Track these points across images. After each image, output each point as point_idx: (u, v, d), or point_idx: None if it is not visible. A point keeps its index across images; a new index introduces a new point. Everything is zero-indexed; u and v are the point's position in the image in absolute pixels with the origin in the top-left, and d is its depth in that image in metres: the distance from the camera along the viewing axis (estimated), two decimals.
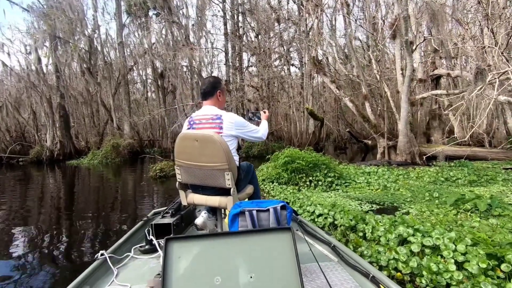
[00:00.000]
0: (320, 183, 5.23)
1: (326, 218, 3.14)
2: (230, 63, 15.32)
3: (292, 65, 17.66)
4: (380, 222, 2.71)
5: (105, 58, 17.82)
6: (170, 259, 1.10)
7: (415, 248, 2.23)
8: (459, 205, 3.50)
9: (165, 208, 2.26)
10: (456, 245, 2.15)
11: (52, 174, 10.79)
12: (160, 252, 1.71)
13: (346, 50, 16.51)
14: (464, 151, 7.71)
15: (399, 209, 3.79)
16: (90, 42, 16.39)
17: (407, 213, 3.56)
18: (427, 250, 2.23)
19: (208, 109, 1.98)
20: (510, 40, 8.41)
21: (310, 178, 5.35)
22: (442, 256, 2.12)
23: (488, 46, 7.87)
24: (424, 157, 5.76)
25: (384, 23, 12.27)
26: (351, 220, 2.88)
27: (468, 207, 3.39)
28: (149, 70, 20.71)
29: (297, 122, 16.90)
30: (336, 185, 5.21)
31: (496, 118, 10.73)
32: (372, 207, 3.98)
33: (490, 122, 11.49)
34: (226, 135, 1.88)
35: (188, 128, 1.98)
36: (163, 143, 18.07)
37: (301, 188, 5.18)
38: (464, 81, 12.58)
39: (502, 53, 8.24)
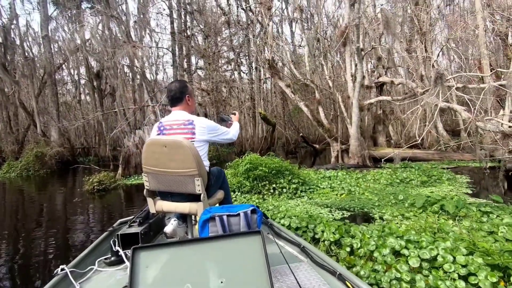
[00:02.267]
0: (284, 190, 4.96)
1: (305, 232, 2.83)
2: (178, 65, 14.43)
3: (241, 71, 17.49)
4: (366, 233, 2.49)
5: (26, 53, 15.27)
6: (138, 269, 1.07)
7: (414, 262, 2.02)
8: (427, 207, 3.53)
9: (132, 217, 2.15)
10: (454, 256, 2.00)
11: None
12: (127, 263, 1.62)
13: (293, 57, 16.97)
14: (407, 153, 8.28)
15: (371, 214, 3.69)
16: (6, 33, 13.86)
17: (381, 218, 3.46)
18: (424, 264, 2.05)
19: (179, 114, 1.94)
20: (440, 52, 9.42)
21: (274, 185, 5.05)
22: (443, 270, 1.95)
23: (423, 57, 8.68)
24: (383, 160, 5.98)
25: (326, 33, 12.86)
26: (334, 233, 2.61)
27: (436, 209, 3.43)
28: (82, 69, 18.47)
29: (248, 127, 16.71)
30: (301, 191, 5.00)
31: (424, 122, 11.97)
32: (343, 214, 3.82)
33: (419, 126, 12.78)
34: (199, 140, 1.86)
35: (158, 134, 1.91)
36: (100, 150, 16.07)
37: (265, 197, 4.83)
38: (396, 89, 13.87)
39: (433, 64, 9.17)
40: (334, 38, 11.14)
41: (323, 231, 2.71)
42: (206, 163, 1.91)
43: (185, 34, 14.87)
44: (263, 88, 16.75)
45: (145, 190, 1.93)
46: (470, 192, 4.78)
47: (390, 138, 12.58)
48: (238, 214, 1.53)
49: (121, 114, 13.23)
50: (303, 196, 4.88)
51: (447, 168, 7.02)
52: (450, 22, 12.52)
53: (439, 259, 2.03)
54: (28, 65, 14.62)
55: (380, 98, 8.51)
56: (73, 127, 15.82)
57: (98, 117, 15.21)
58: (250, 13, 15.12)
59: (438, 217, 3.33)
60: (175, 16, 14.45)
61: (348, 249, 2.40)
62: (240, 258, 1.14)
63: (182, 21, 14.89)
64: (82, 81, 19.37)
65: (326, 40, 10.56)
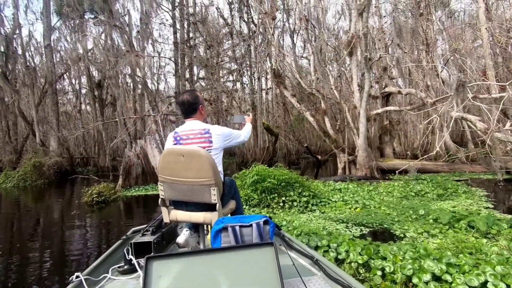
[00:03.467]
0: (295, 203, 4.70)
1: (327, 251, 2.57)
2: (180, 74, 14.35)
3: (243, 82, 17.43)
4: (398, 255, 2.23)
5: (27, 62, 15.21)
6: (151, 279, 1.09)
7: None
8: (453, 223, 3.28)
9: (145, 226, 2.13)
10: (508, 285, 1.76)
11: None
12: (140, 272, 1.62)
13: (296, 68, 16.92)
14: (416, 164, 8.05)
15: (392, 231, 3.43)
16: (8, 42, 13.80)
17: (404, 236, 3.21)
18: None
19: (194, 123, 1.96)
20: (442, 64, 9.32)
21: (283, 198, 4.79)
22: None
23: (429, 68, 8.56)
24: (397, 171, 5.75)
25: (327, 45, 12.84)
26: (361, 254, 2.35)
27: (463, 225, 3.18)
28: (83, 79, 18.40)
29: (250, 137, 16.50)
30: (312, 205, 4.73)
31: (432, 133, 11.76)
32: (362, 230, 3.56)
33: (428, 137, 12.58)
34: (216, 148, 1.88)
35: (175, 144, 1.92)
36: (99, 161, 15.77)
37: (275, 210, 4.57)
38: (397, 100, 13.73)
39: (438, 75, 9.06)
40: (338, 49, 11.09)
41: (347, 251, 2.46)
42: (221, 170, 1.92)
43: (188, 44, 14.86)
44: (264, 98, 16.65)
45: (160, 199, 1.93)
46: (491, 206, 4.53)
47: (394, 149, 12.38)
48: (251, 225, 1.51)
49: (121, 124, 13.03)
50: (315, 210, 4.62)
51: (459, 180, 6.78)
52: (452, 34, 12.53)
53: (490, 287, 1.78)
54: (29, 74, 14.52)
55: (389, 108, 8.35)
56: (72, 137, 15.63)
57: (98, 127, 15.02)
58: (252, 25, 15.16)
59: (467, 234, 3.08)
60: (178, 26, 14.46)
61: (379, 272, 2.15)
62: (253, 270, 1.14)
63: (185, 31, 14.92)
64: (83, 91, 19.27)
65: (332, 48, 10.47)
